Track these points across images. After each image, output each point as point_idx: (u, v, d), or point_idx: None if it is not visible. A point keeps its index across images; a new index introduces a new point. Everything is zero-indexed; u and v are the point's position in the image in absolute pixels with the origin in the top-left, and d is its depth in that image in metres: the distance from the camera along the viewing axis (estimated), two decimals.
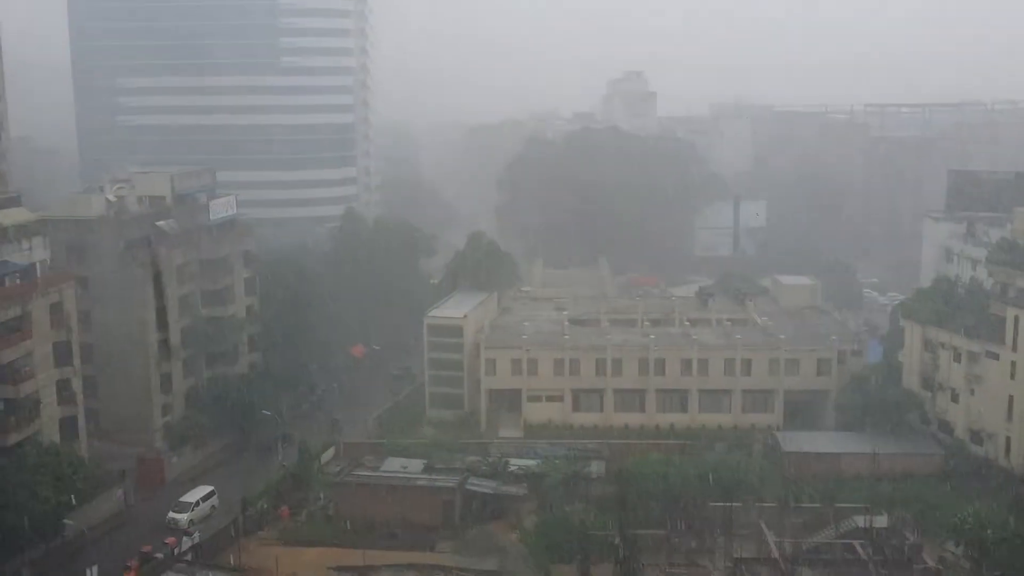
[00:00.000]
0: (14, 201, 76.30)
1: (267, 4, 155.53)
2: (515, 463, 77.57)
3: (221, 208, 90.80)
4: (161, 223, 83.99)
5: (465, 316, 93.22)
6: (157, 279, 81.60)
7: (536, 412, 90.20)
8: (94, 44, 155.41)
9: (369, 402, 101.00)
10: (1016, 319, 70.18)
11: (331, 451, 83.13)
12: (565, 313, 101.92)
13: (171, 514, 71.49)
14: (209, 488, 75.40)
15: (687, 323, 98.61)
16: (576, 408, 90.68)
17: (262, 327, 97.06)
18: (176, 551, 65.37)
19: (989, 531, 57.23)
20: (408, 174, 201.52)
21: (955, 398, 76.37)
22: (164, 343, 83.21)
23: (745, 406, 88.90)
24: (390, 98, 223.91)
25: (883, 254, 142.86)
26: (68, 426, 73.11)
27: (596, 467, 77.14)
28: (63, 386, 72.97)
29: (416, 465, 75.97)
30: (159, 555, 64.28)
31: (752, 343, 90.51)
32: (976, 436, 74.74)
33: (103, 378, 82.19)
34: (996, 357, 72.22)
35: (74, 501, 64.47)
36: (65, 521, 64.94)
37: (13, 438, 67.16)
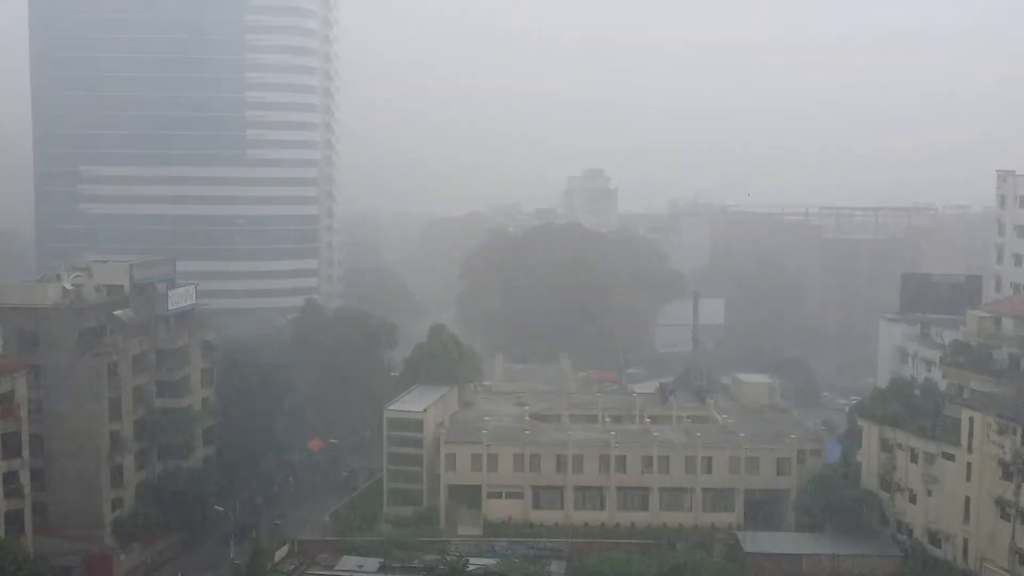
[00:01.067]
0: None
1: (234, 97, 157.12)
2: (474, 562, 76.14)
3: (180, 298, 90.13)
4: (118, 312, 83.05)
5: (425, 410, 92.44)
6: (112, 369, 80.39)
7: (496, 509, 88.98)
8: (57, 130, 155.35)
9: (326, 497, 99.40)
10: (971, 420, 71.02)
11: (285, 549, 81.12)
12: (526, 408, 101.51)
13: None
14: None
15: (648, 420, 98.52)
16: (536, 505, 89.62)
17: (218, 419, 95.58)
18: None
19: None
20: (372, 264, 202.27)
21: (913, 499, 76.58)
22: (116, 435, 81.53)
23: (706, 505, 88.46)
24: (356, 188, 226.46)
25: (838, 354, 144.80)
26: (14, 520, 70.94)
27: (556, 567, 76.09)
28: (10, 478, 71.02)
29: (372, 564, 74.45)
30: None
31: (713, 441, 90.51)
32: (934, 537, 74.78)
33: (52, 470, 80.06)
34: (952, 458, 72.78)
35: None
36: None
37: None
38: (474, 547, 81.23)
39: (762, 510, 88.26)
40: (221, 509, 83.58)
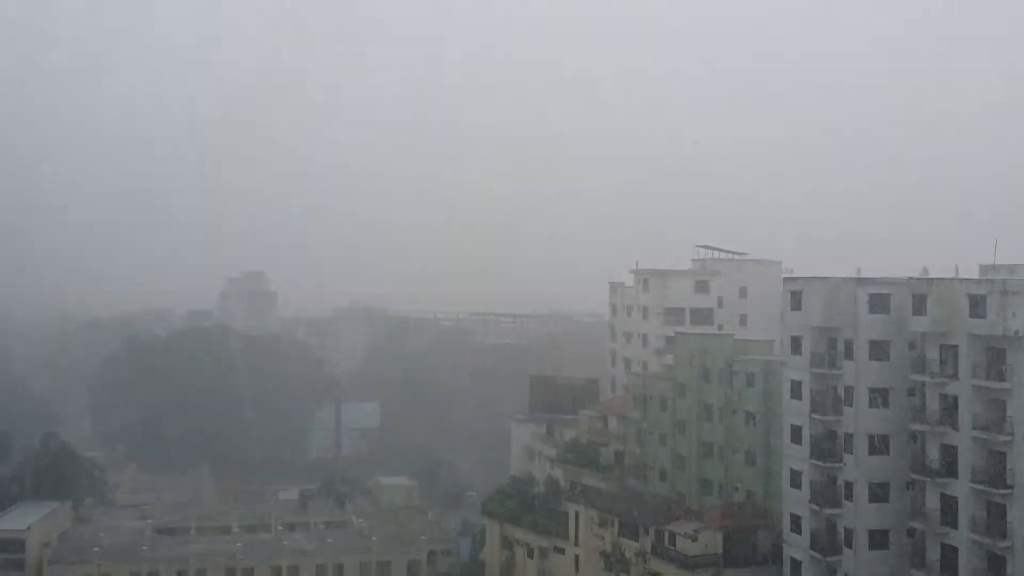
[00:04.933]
0: None
1: None
2: None
3: None
4: None
5: (28, 528, 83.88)
6: None
7: None
8: None
9: None
10: (576, 514, 75.37)
11: None
12: (149, 522, 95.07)
13: None
14: None
15: (281, 528, 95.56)
16: None
17: None
18: None
19: None
20: None
21: None
22: None
23: None
24: None
25: (483, 453, 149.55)
26: None
27: None
28: None
29: None
30: None
31: (345, 547, 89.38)
32: None
33: None
34: (563, 552, 76.63)
35: None
36: None
37: None
38: None
39: None
40: None
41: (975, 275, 61.39)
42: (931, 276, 58.20)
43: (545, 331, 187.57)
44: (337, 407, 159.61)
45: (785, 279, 70.60)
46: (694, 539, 65.82)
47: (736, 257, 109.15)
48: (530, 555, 79.74)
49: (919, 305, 55.93)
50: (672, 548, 66.95)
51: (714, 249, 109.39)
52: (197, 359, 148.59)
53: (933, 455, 55.51)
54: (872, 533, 59.46)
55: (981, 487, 52.43)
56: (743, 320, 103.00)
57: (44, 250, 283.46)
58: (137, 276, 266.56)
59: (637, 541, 69.86)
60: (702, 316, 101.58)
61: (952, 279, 56.98)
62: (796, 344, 64.46)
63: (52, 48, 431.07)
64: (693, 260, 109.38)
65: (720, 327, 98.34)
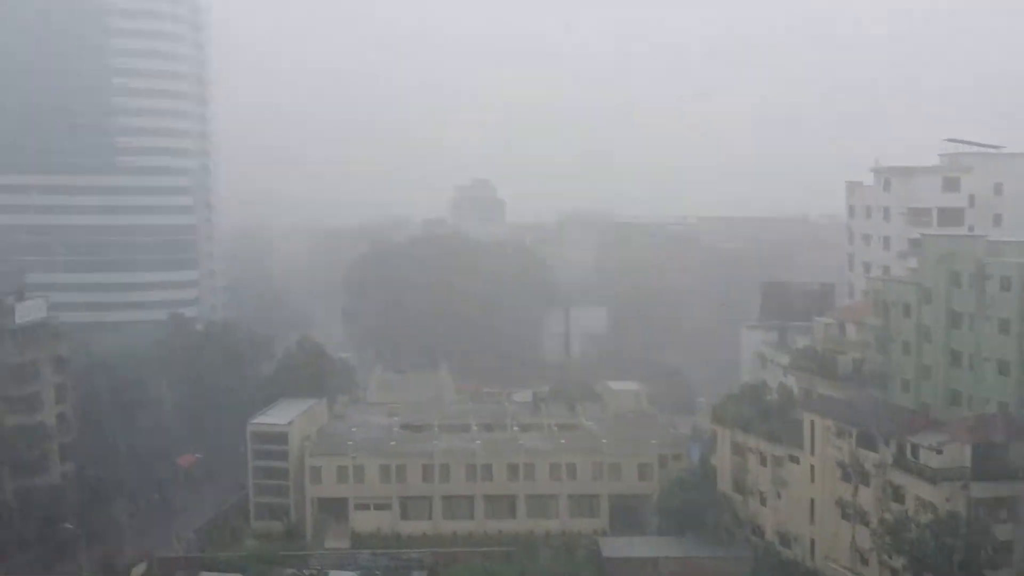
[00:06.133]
0: None
1: (102, 103, 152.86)
2: (334, 575, 75.78)
3: (29, 311, 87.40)
4: None
5: (291, 423, 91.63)
6: None
7: (364, 521, 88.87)
8: None
9: (195, 513, 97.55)
10: (812, 423, 73.76)
11: (142, 566, 79.39)
12: (396, 419, 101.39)
13: None
14: None
15: (516, 428, 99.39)
16: (404, 516, 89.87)
17: (77, 435, 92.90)
18: None
19: None
20: (256, 277, 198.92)
21: (764, 501, 79.03)
22: None
23: (572, 511, 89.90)
24: (242, 199, 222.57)
25: (713, 360, 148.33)
26: None
27: None
28: None
29: None
30: None
31: (576, 447, 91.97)
32: (784, 538, 77.27)
33: None
34: (797, 461, 75.44)
35: None
36: None
37: None
38: (337, 560, 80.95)
39: (627, 515, 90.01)
40: (71, 527, 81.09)
41: None
42: None
43: (777, 234, 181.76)
44: (566, 312, 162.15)
45: None
46: (939, 451, 62.94)
47: (991, 151, 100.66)
48: (763, 463, 79.02)
49: None
50: (915, 460, 64.44)
51: (965, 143, 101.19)
52: (434, 264, 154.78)
53: None
54: None
55: None
56: (997, 220, 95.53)
57: (293, 167, 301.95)
58: (373, 186, 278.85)
59: (877, 452, 67.67)
60: (951, 216, 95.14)
61: None
62: None
63: None
64: (940, 155, 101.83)
65: (971, 228, 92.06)
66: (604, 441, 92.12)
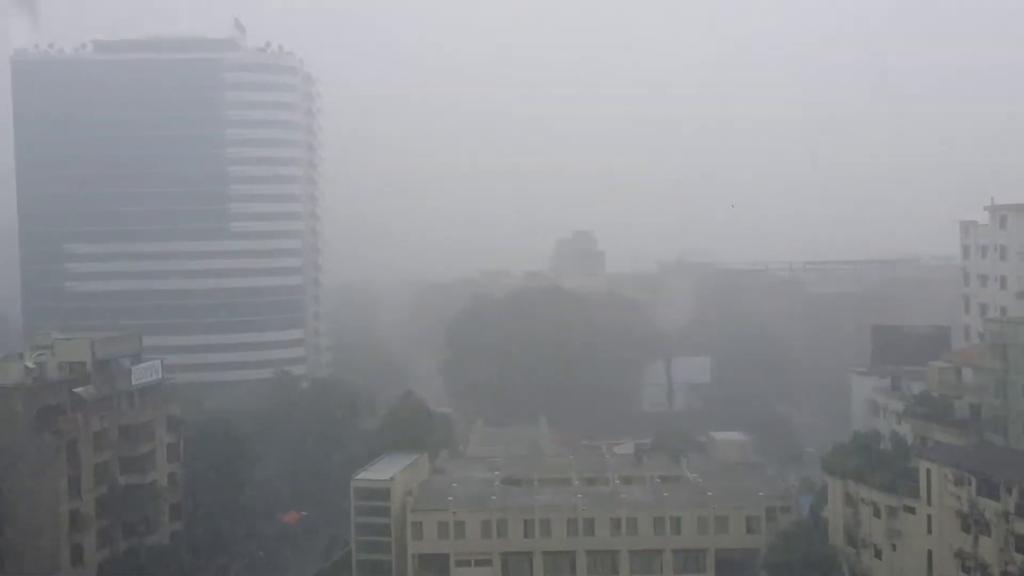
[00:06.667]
0: None
1: (216, 171, 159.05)
2: None
3: (144, 373, 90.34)
4: (79, 389, 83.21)
5: (392, 479, 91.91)
6: (71, 446, 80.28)
7: None
8: (40, 209, 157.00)
9: (300, 571, 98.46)
10: (928, 472, 70.32)
11: None
12: (496, 473, 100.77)
13: None
14: None
15: (618, 481, 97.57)
16: (506, 572, 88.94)
17: (186, 494, 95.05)
18: None
19: None
20: (360, 334, 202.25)
21: (878, 554, 75.52)
22: (76, 513, 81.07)
23: (677, 566, 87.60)
24: (345, 258, 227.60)
25: (821, 408, 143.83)
26: None
27: None
28: None
29: None
30: None
31: (681, 501, 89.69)
32: None
33: (11, 550, 79.44)
34: (913, 511, 71.95)
35: None
36: None
37: None
38: None
39: (735, 570, 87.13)
40: None
41: None
42: None
43: (887, 277, 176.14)
44: (668, 362, 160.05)
45: None
46: None
47: None
48: (876, 514, 75.61)
49: None
50: None
51: None
52: (534, 317, 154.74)
53: None
54: None
55: None
56: None
57: (395, 226, 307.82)
58: (476, 245, 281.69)
59: (998, 500, 64.02)
60: None
61: None
62: None
63: None
64: None
65: None
66: (709, 493, 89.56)
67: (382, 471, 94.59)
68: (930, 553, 70.45)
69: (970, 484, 66.48)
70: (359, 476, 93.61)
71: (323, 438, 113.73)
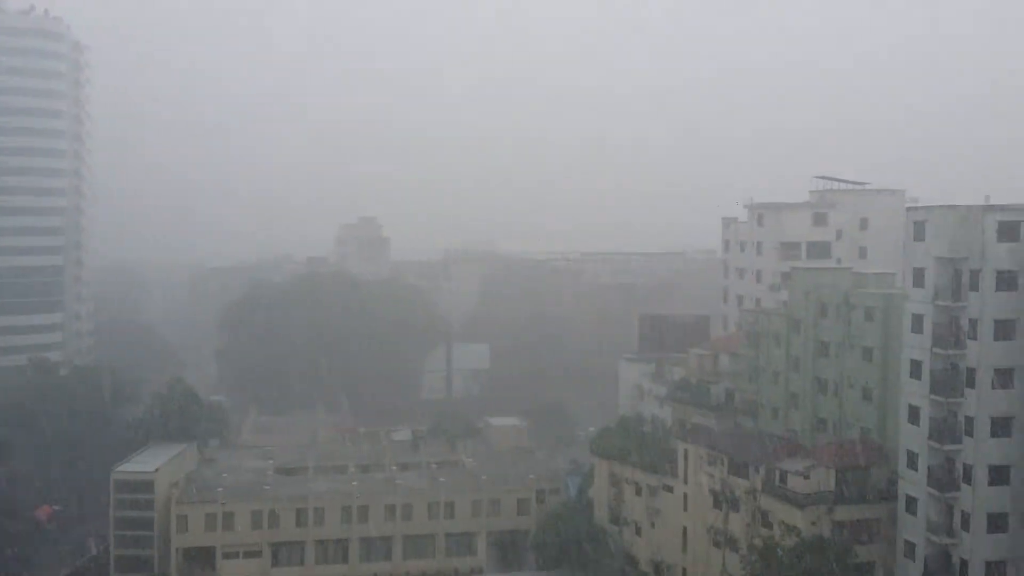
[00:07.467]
0: None
1: None
2: None
3: None
4: None
5: (156, 470, 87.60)
6: None
7: (232, 570, 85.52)
8: None
9: (52, 569, 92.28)
10: (685, 452, 74.29)
11: None
12: (270, 462, 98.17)
13: None
14: None
15: (395, 468, 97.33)
16: (276, 563, 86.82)
17: None
18: None
19: None
20: (129, 318, 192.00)
21: (639, 531, 79.10)
22: None
23: (449, 549, 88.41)
24: (115, 239, 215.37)
25: (594, 393, 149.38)
26: None
27: None
28: None
29: None
30: None
31: (456, 485, 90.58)
32: (658, 568, 77.33)
33: None
34: (671, 490, 75.81)
35: None
36: None
37: None
38: None
39: (506, 552, 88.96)
40: None
41: None
42: None
43: (656, 269, 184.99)
44: (448, 349, 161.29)
45: (908, 208, 67.74)
46: (806, 477, 64.05)
47: (857, 187, 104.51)
48: (638, 493, 79.16)
49: None
50: (783, 486, 65.36)
51: (833, 180, 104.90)
52: (315, 303, 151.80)
53: None
54: (993, 469, 56.91)
55: None
56: (863, 253, 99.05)
57: (169, 206, 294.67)
58: (252, 225, 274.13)
59: (747, 479, 68.46)
60: (819, 250, 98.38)
61: None
62: (919, 276, 61.55)
63: None
64: (811, 192, 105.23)
65: (838, 260, 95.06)
66: (484, 477, 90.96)
67: (146, 462, 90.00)
68: (685, 529, 74.47)
69: (723, 464, 70.71)
70: (120, 468, 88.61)
71: (83, 428, 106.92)
